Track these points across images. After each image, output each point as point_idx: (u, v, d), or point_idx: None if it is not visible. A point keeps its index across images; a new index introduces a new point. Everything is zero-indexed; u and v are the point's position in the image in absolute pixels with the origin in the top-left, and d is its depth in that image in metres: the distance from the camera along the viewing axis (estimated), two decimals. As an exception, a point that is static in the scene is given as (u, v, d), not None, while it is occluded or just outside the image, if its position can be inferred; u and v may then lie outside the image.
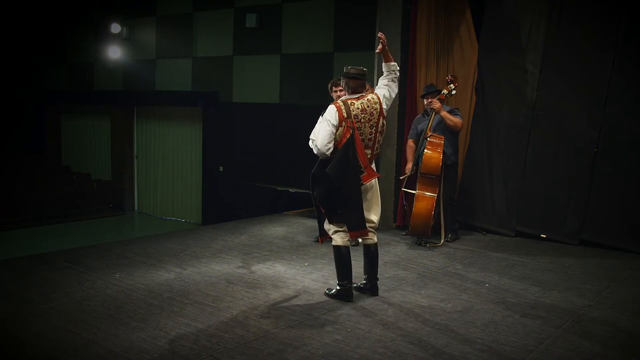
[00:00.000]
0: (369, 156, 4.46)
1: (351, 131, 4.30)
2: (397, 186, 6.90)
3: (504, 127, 6.89)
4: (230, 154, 11.35)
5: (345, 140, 4.30)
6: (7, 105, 14.46)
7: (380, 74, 4.69)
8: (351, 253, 4.58)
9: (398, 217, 7.19)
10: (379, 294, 4.64)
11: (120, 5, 13.20)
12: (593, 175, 6.35)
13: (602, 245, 6.23)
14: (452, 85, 6.37)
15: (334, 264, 4.58)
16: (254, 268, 5.41)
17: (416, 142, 6.49)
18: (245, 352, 3.54)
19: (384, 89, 4.57)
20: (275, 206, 9.80)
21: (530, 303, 4.50)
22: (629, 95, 6.17)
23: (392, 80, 4.60)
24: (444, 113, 6.28)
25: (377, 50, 4.74)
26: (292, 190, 10.04)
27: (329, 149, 4.32)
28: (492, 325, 4.02)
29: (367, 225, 4.53)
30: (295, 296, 4.62)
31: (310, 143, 4.49)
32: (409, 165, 6.47)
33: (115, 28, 12.95)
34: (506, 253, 6.08)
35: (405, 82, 7.13)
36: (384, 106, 4.51)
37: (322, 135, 4.33)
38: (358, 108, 4.36)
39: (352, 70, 4.45)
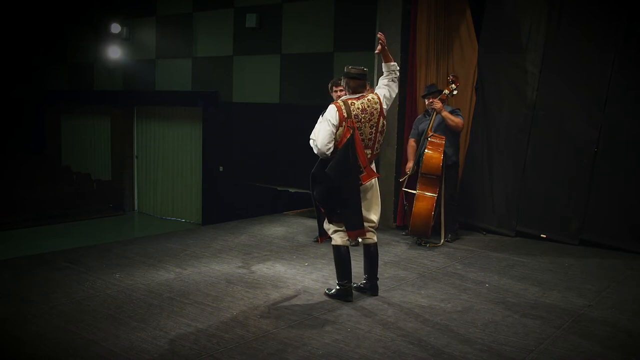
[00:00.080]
0: (369, 156, 4.46)
1: (351, 131, 4.31)
2: (397, 186, 6.91)
3: (504, 127, 6.89)
4: (230, 154, 11.35)
5: (345, 140, 4.30)
6: (7, 105, 14.46)
7: (380, 74, 4.69)
8: (351, 253, 4.58)
9: (398, 217, 7.19)
10: (379, 294, 4.64)
11: (120, 5, 13.19)
12: (593, 175, 6.35)
13: (602, 245, 6.23)
14: (453, 85, 6.37)
15: (333, 264, 4.58)
16: (254, 268, 5.41)
17: (417, 142, 6.49)
18: (245, 352, 3.54)
19: (384, 89, 4.57)
20: (275, 206, 9.80)
21: (530, 303, 4.50)
22: (629, 95, 6.17)
23: (392, 80, 4.60)
24: (445, 113, 6.29)
25: (376, 51, 4.74)
26: (292, 190, 10.04)
27: (329, 148, 4.32)
28: (492, 325, 4.02)
29: (367, 225, 4.53)
30: (295, 296, 4.62)
31: (311, 142, 4.50)
32: (410, 164, 6.47)
33: (115, 28, 12.95)
34: (506, 253, 6.08)
35: (405, 82, 7.13)
36: (384, 106, 4.51)
37: (322, 135, 4.33)
38: (358, 108, 4.36)
39: (352, 70, 4.45)
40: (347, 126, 4.31)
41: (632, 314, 4.28)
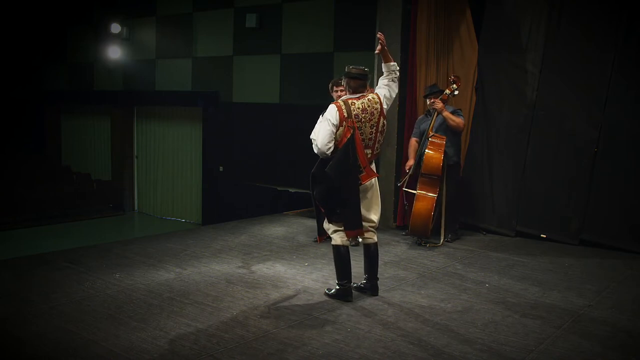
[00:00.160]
0: (369, 156, 4.46)
1: (352, 131, 4.30)
2: (397, 187, 6.90)
3: (504, 127, 6.89)
4: (230, 154, 11.35)
5: (345, 140, 4.30)
6: (7, 105, 14.46)
7: (380, 74, 4.69)
8: (351, 253, 4.59)
9: (398, 217, 7.19)
10: (379, 294, 4.64)
11: (120, 5, 13.20)
12: (593, 175, 6.35)
13: (602, 245, 6.23)
14: (454, 85, 6.37)
15: (333, 264, 4.58)
16: (254, 268, 5.41)
17: (419, 141, 6.49)
18: (245, 352, 3.54)
19: (384, 89, 4.57)
20: (275, 206, 9.80)
21: (530, 303, 4.50)
22: (629, 95, 6.17)
23: (392, 80, 4.60)
24: (446, 113, 6.29)
25: (376, 51, 4.74)
26: (292, 190, 10.05)
27: (329, 148, 4.32)
28: (492, 325, 4.02)
29: (368, 224, 4.54)
30: (295, 296, 4.62)
31: (313, 143, 4.49)
32: (410, 162, 6.46)
33: (115, 28, 12.95)
34: (506, 253, 6.08)
35: (405, 82, 7.13)
36: (385, 106, 4.51)
37: (322, 134, 4.33)
38: (359, 108, 4.36)
39: (353, 70, 4.45)
40: (348, 126, 4.31)
41: (632, 314, 4.28)
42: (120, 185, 13.80)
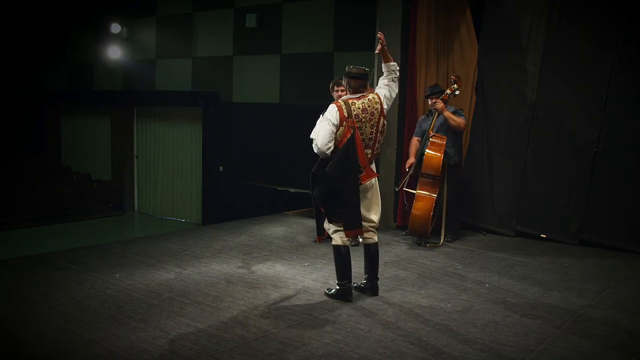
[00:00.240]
0: (369, 156, 4.46)
1: (352, 131, 4.30)
2: (396, 191, 6.90)
3: (504, 127, 6.89)
4: (230, 154, 11.35)
5: (346, 139, 4.30)
6: (7, 105, 14.46)
7: (380, 74, 4.69)
8: (351, 253, 4.58)
9: (398, 217, 7.19)
10: (379, 294, 4.64)
11: (120, 5, 13.19)
12: (593, 175, 6.35)
13: (602, 245, 6.23)
14: (455, 85, 6.37)
15: (333, 264, 4.58)
16: (254, 268, 5.41)
17: (420, 140, 6.49)
18: (245, 352, 3.54)
19: (385, 89, 4.57)
20: (275, 206, 9.80)
21: (530, 303, 4.50)
22: (629, 95, 6.17)
23: (392, 80, 4.60)
24: (447, 113, 6.29)
25: (376, 51, 4.74)
26: (292, 190, 10.04)
27: (329, 148, 4.32)
28: (492, 325, 4.02)
29: (368, 224, 4.54)
30: (295, 296, 4.62)
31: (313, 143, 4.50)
32: (411, 160, 6.46)
33: (115, 28, 12.95)
34: (506, 253, 6.08)
35: (405, 82, 7.13)
36: (385, 106, 4.51)
37: (322, 134, 4.33)
38: (359, 108, 4.36)
39: (354, 70, 4.45)
40: (348, 126, 4.31)
41: (632, 314, 4.28)
42: (120, 185, 13.80)
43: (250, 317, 4.12)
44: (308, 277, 5.11)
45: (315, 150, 4.40)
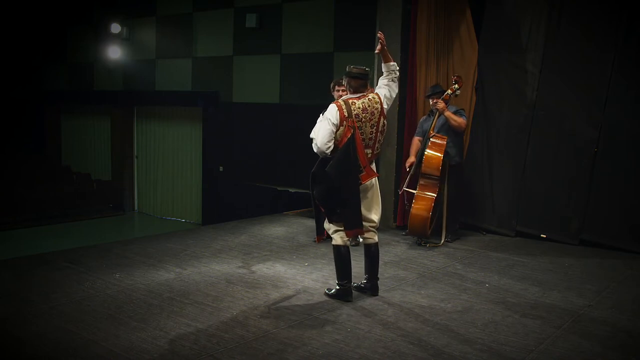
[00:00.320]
0: (369, 156, 4.46)
1: (352, 131, 4.30)
2: (397, 186, 6.90)
3: (504, 127, 6.89)
4: (230, 154, 11.35)
5: (346, 139, 4.30)
6: (7, 105, 14.46)
7: (380, 74, 4.69)
8: (351, 253, 4.59)
9: (398, 217, 7.19)
10: (379, 294, 4.64)
11: (120, 5, 13.19)
12: (593, 175, 6.35)
13: (602, 245, 6.23)
14: (456, 85, 6.36)
15: (333, 264, 4.58)
16: (254, 268, 5.41)
17: (421, 140, 6.49)
18: (245, 352, 3.54)
19: (385, 89, 4.57)
20: (275, 206, 9.80)
21: (530, 303, 4.50)
22: (629, 95, 6.17)
23: (392, 80, 4.60)
24: (447, 113, 6.29)
25: (376, 51, 4.74)
26: (292, 190, 10.04)
27: (329, 147, 4.32)
28: (492, 325, 4.02)
29: (368, 224, 4.53)
30: (295, 296, 4.62)
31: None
32: (411, 159, 6.45)
33: (115, 28, 12.94)
34: (506, 253, 6.08)
35: (405, 82, 7.12)
36: (385, 106, 4.51)
37: (322, 134, 4.33)
38: (359, 107, 4.36)
39: (354, 70, 4.45)
40: (348, 126, 4.31)
41: (632, 314, 4.28)
42: (120, 185, 13.80)
43: (250, 317, 4.12)
44: (308, 277, 5.11)
45: (315, 150, 4.40)
